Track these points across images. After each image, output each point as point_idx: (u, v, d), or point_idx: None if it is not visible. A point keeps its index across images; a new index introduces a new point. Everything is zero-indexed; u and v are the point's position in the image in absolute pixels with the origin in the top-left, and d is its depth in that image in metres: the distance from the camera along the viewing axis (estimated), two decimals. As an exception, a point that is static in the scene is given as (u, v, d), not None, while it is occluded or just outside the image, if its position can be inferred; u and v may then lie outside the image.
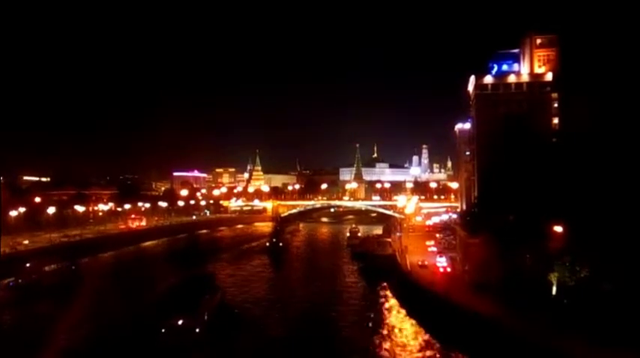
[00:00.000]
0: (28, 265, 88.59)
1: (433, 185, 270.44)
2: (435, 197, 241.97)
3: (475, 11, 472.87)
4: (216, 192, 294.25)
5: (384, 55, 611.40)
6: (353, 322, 67.78)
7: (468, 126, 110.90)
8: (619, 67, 69.01)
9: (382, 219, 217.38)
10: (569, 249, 53.39)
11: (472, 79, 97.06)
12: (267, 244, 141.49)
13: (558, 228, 55.49)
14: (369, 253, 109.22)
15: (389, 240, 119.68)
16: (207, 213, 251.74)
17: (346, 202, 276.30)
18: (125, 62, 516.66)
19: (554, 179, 60.68)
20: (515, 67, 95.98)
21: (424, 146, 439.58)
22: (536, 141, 72.25)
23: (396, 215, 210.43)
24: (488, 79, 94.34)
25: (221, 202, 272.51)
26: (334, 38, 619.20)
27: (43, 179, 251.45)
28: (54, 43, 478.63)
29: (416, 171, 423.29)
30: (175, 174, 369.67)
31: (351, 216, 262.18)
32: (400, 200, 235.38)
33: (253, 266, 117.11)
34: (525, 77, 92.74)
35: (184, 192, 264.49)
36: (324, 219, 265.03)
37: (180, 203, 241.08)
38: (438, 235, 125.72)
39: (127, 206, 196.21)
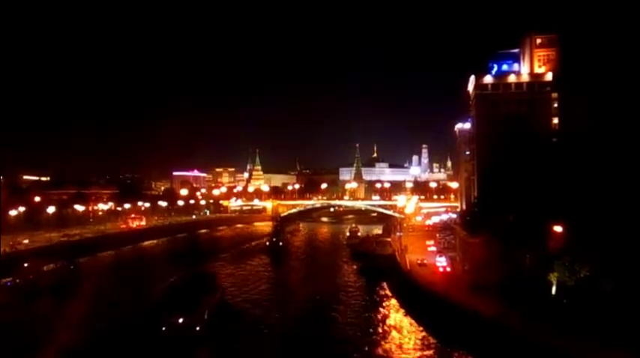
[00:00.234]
0: (26, 265, 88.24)
1: (433, 185, 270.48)
2: (435, 197, 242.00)
3: (475, 11, 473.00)
4: (215, 192, 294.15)
5: (384, 55, 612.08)
6: (352, 321, 67.78)
7: (467, 126, 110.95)
8: (619, 66, 69.01)
9: (382, 218, 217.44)
10: (568, 249, 53.39)
11: (472, 78, 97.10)
12: (267, 243, 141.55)
13: (558, 228, 55.54)
14: (368, 253, 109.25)
15: (389, 239, 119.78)
16: (207, 213, 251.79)
17: (346, 202, 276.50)
18: (126, 62, 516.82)
19: (554, 179, 60.78)
20: (515, 66, 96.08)
21: (424, 146, 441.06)
22: (536, 141, 72.43)
23: (396, 215, 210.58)
24: (488, 79, 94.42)
25: (221, 202, 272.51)
26: (334, 38, 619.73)
27: (43, 178, 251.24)
28: (54, 42, 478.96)
29: (416, 170, 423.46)
30: (175, 173, 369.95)
31: (350, 216, 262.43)
32: (400, 200, 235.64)
33: (253, 265, 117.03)
34: (525, 77, 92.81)
35: (184, 192, 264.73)
36: (324, 219, 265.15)
37: (180, 202, 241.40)
38: (437, 235, 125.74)
39: (127, 205, 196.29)
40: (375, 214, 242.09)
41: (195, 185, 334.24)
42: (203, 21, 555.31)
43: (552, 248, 55.32)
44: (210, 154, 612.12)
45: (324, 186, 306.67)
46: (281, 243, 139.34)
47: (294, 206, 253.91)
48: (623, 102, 63.35)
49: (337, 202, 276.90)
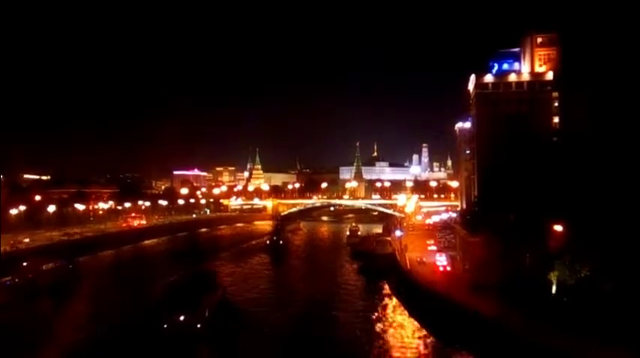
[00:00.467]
0: (25, 264, 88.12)
1: (433, 184, 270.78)
2: (435, 196, 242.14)
3: (476, 10, 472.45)
4: (216, 191, 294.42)
5: (384, 55, 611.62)
6: (352, 320, 67.72)
7: (468, 125, 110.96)
8: (620, 66, 68.86)
9: (382, 217, 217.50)
10: (569, 248, 53.33)
11: (472, 78, 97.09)
12: (268, 242, 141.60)
13: (558, 227, 55.48)
14: (369, 252, 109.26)
15: (389, 238, 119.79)
16: (208, 212, 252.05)
17: (346, 201, 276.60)
18: (126, 61, 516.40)
19: (554, 178, 60.72)
20: (516, 65, 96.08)
21: (424, 145, 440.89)
22: (537, 141, 72.30)
23: (396, 214, 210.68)
24: (489, 78, 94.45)
25: (221, 201, 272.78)
26: (334, 38, 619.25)
27: (44, 177, 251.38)
28: (54, 42, 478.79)
29: (416, 169, 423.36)
30: (175, 172, 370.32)
31: (351, 215, 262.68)
32: (400, 199, 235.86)
33: (254, 264, 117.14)
34: (526, 76, 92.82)
35: (184, 191, 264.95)
36: (324, 218, 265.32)
37: (181, 201, 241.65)
38: (437, 234, 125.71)
39: (128, 204, 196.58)
40: (375, 213, 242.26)
41: (195, 184, 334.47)
42: (203, 21, 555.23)
43: (553, 247, 55.26)
44: (211, 153, 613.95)
45: (324, 185, 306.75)
46: (281, 242, 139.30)
47: (294, 205, 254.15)
48: (624, 102, 63.24)
49: (337, 201, 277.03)
